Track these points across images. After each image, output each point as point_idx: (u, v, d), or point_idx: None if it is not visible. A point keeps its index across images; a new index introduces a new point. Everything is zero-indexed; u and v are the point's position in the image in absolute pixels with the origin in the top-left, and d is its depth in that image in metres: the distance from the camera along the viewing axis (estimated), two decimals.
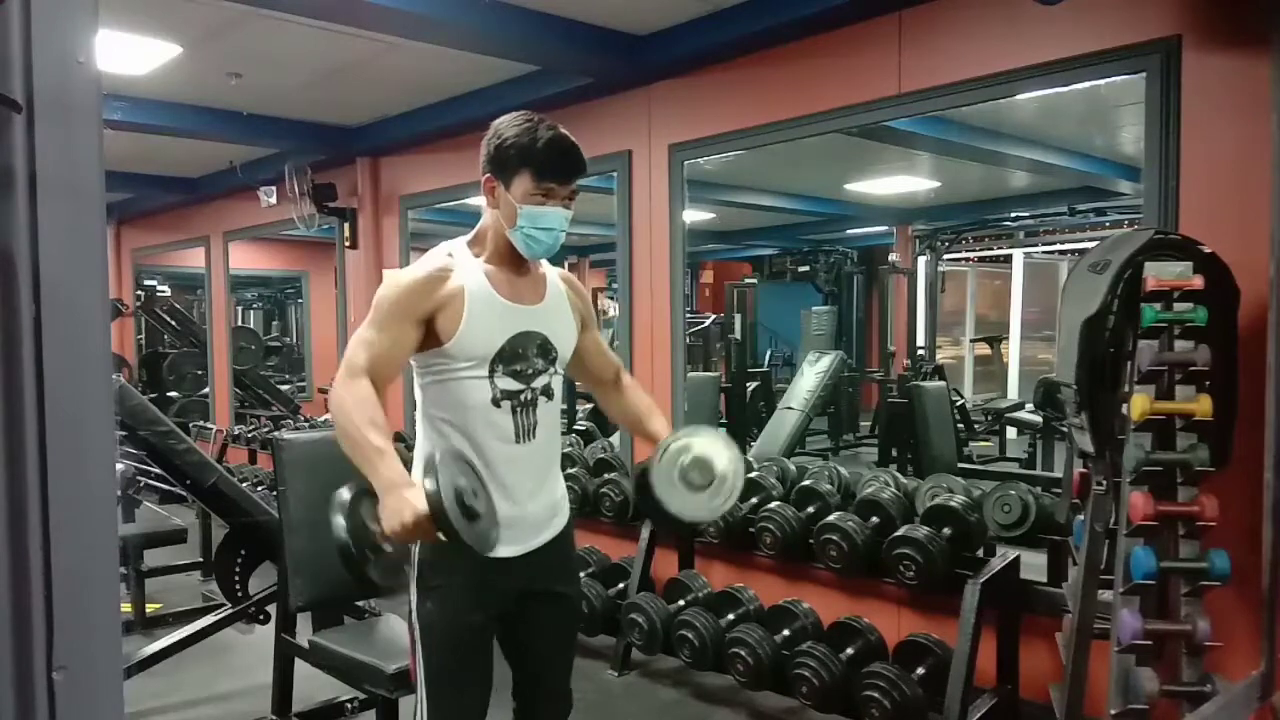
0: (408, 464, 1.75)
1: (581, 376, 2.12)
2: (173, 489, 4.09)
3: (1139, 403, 2.24)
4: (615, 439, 5.28)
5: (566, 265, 10.94)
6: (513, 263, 1.84)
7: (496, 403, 1.80)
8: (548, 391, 1.87)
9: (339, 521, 1.59)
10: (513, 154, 1.75)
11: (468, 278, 1.79)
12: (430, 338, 1.78)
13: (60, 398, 0.79)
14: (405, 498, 1.54)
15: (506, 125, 1.79)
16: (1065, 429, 2.60)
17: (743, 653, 3.24)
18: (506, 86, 4.58)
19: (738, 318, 7.68)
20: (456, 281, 1.78)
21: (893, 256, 8.56)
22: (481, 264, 1.82)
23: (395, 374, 1.80)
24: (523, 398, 1.82)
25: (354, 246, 5.99)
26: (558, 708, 2.04)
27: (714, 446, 1.87)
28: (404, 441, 3.79)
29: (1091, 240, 7.39)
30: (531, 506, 1.86)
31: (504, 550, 1.78)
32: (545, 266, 1.94)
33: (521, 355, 1.82)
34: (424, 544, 1.84)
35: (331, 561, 1.63)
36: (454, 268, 1.80)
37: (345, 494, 1.63)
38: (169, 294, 9.12)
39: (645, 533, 3.94)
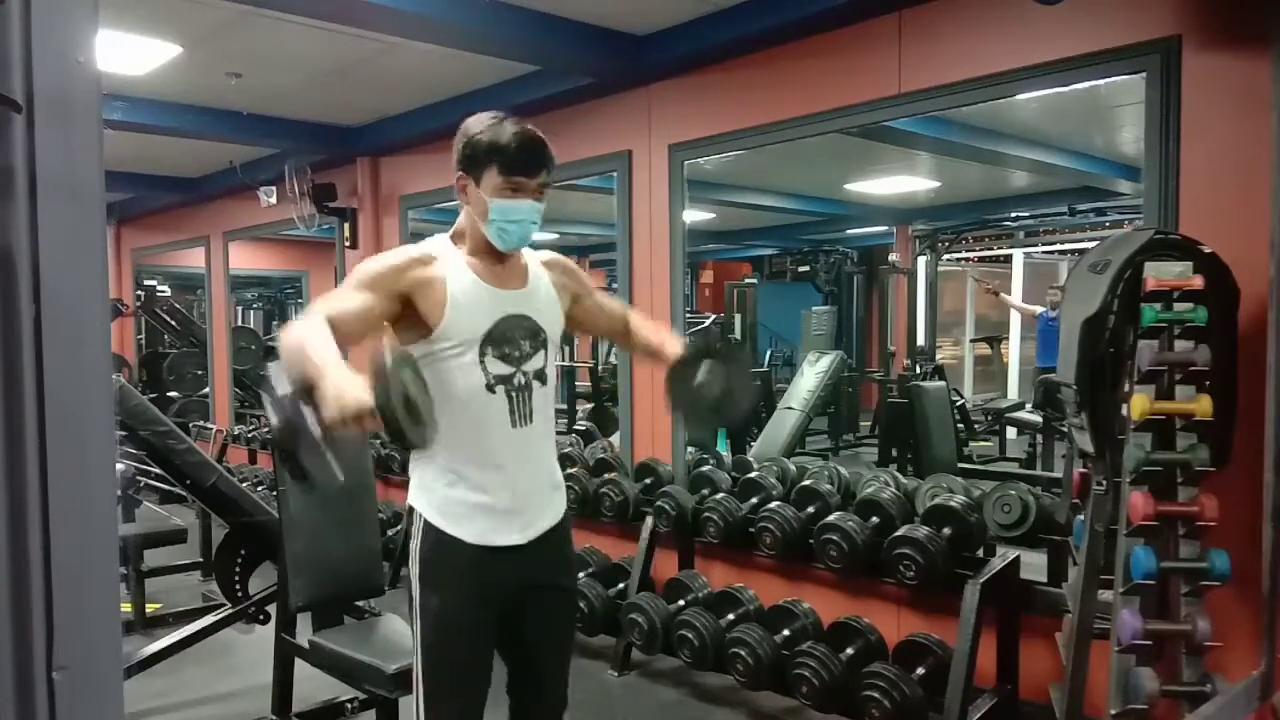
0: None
1: (600, 335, 2.22)
2: (173, 489, 4.09)
3: (1139, 403, 2.24)
4: (615, 439, 5.27)
5: None
6: (492, 255, 1.88)
7: (490, 388, 1.82)
8: (540, 376, 1.89)
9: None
10: (481, 150, 1.81)
11: (450, 266, 1.83)
12: (416, 326, 1.80)
13: (60, 398, 0.79)
14: (349, 378, 1.48)
15: (474, 124, 1.84)
16: (1065, 429, 2.60)
17: (743, 653, 3.24)
18: (506, 86, 4.57)
19: (738, 318, 7.68)
20: (438, 269, 1.82)
21: (893, 256, 8.55)
22: (464, 255, 1.87)
23: (355, 333, 1.74)
24: (516, 381, 1.85)
25: (354, 246, 5.99)
26: (553, 704, 2.05)
27: (737, 364, 2.01)
28: None
29: (1091, 240, 7.39)
30: (533, 492, 1.89)
31: (508, 538, 1.84)
32: (526, 255, 1.97)
33: (509, 339, 1.85)
34: (424, 542, 1.85)
35: (331, 562, 1.61)
36: (436, 256, 1.84)
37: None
38: (169, 294, 9.13)
39: (645, 533, 3.93)
